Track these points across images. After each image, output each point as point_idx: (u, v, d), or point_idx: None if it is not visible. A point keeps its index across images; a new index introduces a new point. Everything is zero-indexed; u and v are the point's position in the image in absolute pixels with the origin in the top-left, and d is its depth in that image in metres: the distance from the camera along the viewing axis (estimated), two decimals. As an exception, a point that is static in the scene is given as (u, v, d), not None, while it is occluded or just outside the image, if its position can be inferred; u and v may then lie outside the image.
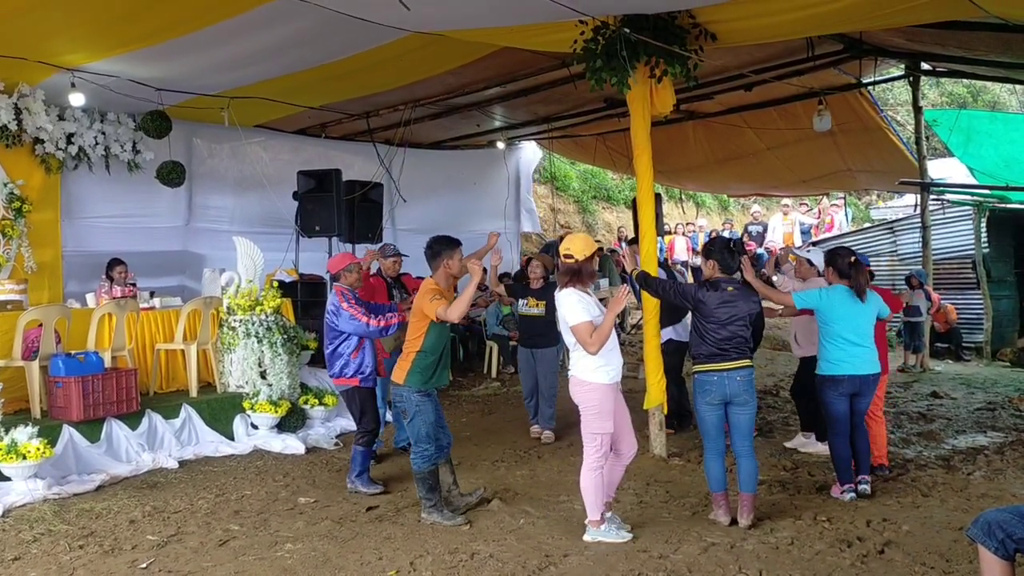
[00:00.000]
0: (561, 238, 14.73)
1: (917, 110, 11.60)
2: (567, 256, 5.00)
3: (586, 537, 4.96)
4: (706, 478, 5.40)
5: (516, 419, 8.19)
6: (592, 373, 4.90)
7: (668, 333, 7.50)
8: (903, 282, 11.95)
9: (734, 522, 5.21)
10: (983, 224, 12.70)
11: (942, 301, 12.58)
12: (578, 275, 4.99)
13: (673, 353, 7.56)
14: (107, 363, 7.25)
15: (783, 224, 17.06)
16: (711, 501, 5.38)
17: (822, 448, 6.89)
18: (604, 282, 8.06)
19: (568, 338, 4.99)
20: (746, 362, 5.22)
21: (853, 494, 5.67)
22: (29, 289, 7.89)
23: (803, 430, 7.31)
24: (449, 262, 5.44)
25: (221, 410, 7.81)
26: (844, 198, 18.29)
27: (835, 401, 5.66)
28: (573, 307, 4.87)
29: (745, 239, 18.00)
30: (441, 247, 5.49)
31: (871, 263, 14.12)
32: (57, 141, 9.05)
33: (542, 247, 15.25)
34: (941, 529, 5.03)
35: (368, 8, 5.97)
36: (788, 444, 7.27)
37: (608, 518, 5.01)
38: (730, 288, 5.24)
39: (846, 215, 17.74)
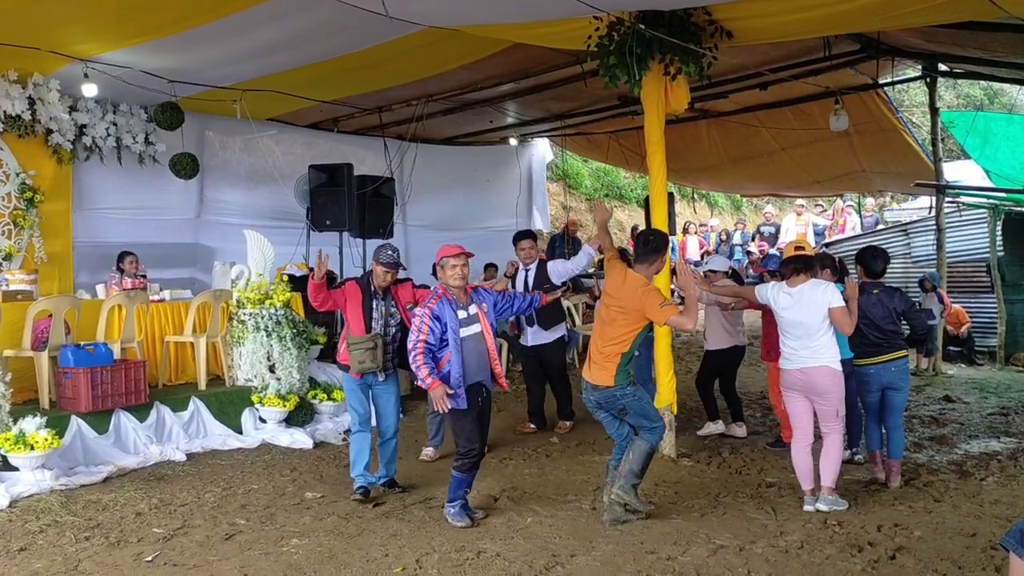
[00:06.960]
0: (565, 229, 14.73)
1: (933, 111, 11.48)
2: (799, 248, 5.57)
3: (819, 504, 5.38)
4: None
5: (524, 417, 8.16)
6: (837, 362, 5.40)
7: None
8: (916, 285, 11.84)
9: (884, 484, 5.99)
10: (998, 227, 12.55)
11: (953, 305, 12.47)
12: (813, 267, 5.57)
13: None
14: (116, 355, 7.26)
15: (796, 225, 16.91)
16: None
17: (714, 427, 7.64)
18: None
19: (814, 326, 5.33)
20: (899, 353, 5.95)
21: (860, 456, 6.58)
22: (39, 279, 7.92)
23: (711, 419, 7.70)
24: (663, 258, 5.30)
25: (229, 403, 7.81)
26: (849, 202, 18.15)
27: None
28: (837, 296, 5.35)
29: (757, 240, 17.92)
30: (662, 241, 5.32)
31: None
32: (69, 132, 9.04)
33: (548, 242, 15.21)
34: (953, 535, 4.96)
35: (379, 2, 5.92)
36: (700, 432, 7.66)
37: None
38: (876, 291, 5.96)
39: (860, 218, 17.59)
